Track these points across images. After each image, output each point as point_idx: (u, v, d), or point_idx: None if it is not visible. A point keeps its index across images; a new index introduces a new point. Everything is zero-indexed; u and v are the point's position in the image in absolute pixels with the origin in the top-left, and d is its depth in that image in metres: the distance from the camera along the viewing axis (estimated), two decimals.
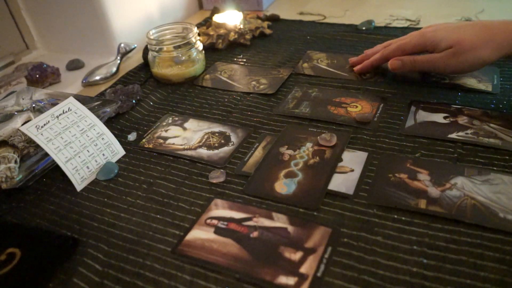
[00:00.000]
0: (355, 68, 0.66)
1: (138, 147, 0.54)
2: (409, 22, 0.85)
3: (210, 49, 0.80)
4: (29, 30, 0.84)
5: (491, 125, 0.50)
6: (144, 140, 0.55)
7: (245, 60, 0.75)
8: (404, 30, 0.81)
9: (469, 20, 0.81)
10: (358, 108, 0.57)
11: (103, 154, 0.50)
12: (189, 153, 0.51)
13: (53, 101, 0.57)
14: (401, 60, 0.60)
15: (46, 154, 0.47)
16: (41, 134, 0.47)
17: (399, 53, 0.61)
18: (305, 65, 0.71)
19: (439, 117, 0.53)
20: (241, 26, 0.82)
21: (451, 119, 0.52)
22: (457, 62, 0.55)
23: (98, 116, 0.52)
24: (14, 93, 0.60)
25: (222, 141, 0.53)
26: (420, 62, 0.58)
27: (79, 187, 0.47)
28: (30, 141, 0.48)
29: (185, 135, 0.55)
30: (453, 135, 0.49)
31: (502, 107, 0.54)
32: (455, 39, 0.54)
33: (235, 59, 0.76)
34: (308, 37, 0.82)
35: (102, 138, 0.51)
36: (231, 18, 0.83)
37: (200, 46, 0.70)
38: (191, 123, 0.58)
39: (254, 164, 0.48)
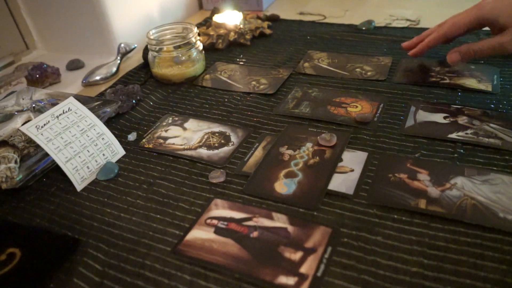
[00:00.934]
0: (410, 53, 0.64)
1: (138, 147, 0.54)
2: (409, 22, 0.85)
3: (210, 49, 0.80)
4: (29, 30, 0.84)
5: (491, 125, 0.50)
6: (144, 140, 0.55)
7: (245, 60, 0.76)
8: (404, 30, 0.81)
9: None
10: (358, 108, 0.57)
11: (103, 154, 0.50)
12: (189, 153, 0.51)
13: (53, 101, 0.57)
14: (458, 51, 0.57)
15: (46, 154, 0.47)
16: (41, 134, 0.47)
17: (454, 29, 0.58)
18: (306, 64, 0.71)
19: (439, 117, 0.53)
20: (241, 26, 0.82)
21: (451, 119, 0.52)
22: None
23: (98, 116, 0.52)
24: (14, 93, 0.60)
25: (222, 141, 0.53)
26: (486, 49, 0.55)
27: (79, 187, 0.47)
28: (30, 141, 0.48)
29: (185, 135, 0.55)
30: (453, 135, 0.49)
31: (502, 107, 0.54)
32: None
33: (235, 59, 0.76)
34: (308, 37, 0.82)
35: (102, 138, 0.51)
36: (231, 18, 0.83)
37: (200, 46, 0.70)
38: (191, 123, 0.58)
39: (254, 164, 0.48)
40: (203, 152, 0.51)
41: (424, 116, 0.54)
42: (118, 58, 0.77)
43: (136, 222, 0.42)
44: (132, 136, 0.56)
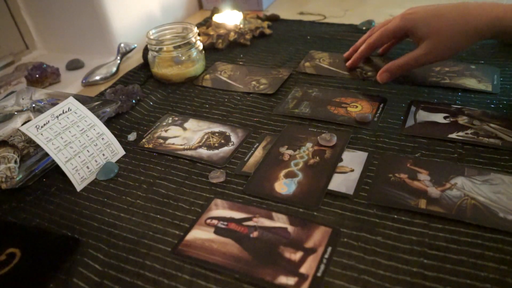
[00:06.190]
0: (347, 64, 0.67)
1: (138, 147, 0.54)
2: None
3: (210, 49, 0.80)
4: (29, 30, 0.84)
5: (491, 125, 0.50)
6: (144, 140, 0.55)
7: (245, 60, 0.75)
8: None
9: None
10: (358, 108, 0.57)
11: (103, 154, 0.50)
12: (189, 153, 0.51)
13: (53, 101, 0.57)
14: (387, 70, 0.60)
15: (46, 154, 0.47)
16: (41, 134, 0.46)
17: (382, 39, 0.61)
18: (307, 64, 0.71)
19: (439, 117, 0.53)
20: (241, 26, 0.82)
21: (451, 119, 0.52)
22: (437, 53, 0.55)
23: (98, 116, 0.52)
24: (14, 93, 0.60)
25: (222, 141, 0.53)
26: (405, 64, 0.58)
27: (79, 187, 0.47)
28: (30, 141, 0.48)
29: (185, 135, 0.55)
30: (453, 135, 0.49)
31: (502, 107, 0.54)
32: (433, 28, 0.54)
33: (235, 59, 0.76)
34: (308, 37, 0.82)
35: (102, 138, 0.51)
36: (231, 18, 0.83)
37: (200, 46, 0.70)
38: (191, 123, 0.58)
39: (254, 164, 0.48)
40: (203, 152, 0.51)
41: (424, 116, 0.54)
42: (118, 58, 0.77)
43: (136, 222, 0.42)
44: (132, 136, 0.56)
